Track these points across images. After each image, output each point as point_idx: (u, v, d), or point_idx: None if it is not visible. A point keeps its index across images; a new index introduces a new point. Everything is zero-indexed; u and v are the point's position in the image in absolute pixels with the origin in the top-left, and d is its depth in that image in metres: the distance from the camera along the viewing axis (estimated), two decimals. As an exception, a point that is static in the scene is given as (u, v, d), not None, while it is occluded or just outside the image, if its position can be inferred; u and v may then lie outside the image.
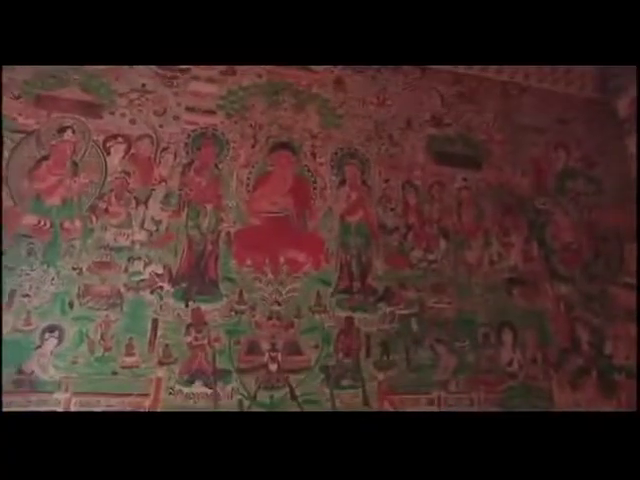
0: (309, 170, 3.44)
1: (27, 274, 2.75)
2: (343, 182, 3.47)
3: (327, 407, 2.83)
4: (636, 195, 3.80)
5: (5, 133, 3.01)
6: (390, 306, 3.16)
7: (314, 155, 3.49)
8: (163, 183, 3.15)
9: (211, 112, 3.43)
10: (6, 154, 2.97)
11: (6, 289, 2.68)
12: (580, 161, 4.06)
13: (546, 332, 3.39)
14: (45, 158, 3.06)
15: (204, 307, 2.90)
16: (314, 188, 3.39)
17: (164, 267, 2.94)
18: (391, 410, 2.90)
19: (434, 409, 2.96)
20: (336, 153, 3.53)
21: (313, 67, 3.71)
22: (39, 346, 2.62)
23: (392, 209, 3.48)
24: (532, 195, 3.82)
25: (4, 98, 3.09)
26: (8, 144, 2.99)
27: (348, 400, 2.87)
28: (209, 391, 2.72)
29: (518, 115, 4.07)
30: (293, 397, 2.80)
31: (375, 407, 2.88)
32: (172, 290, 2.90)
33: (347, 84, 3.78)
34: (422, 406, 2.95)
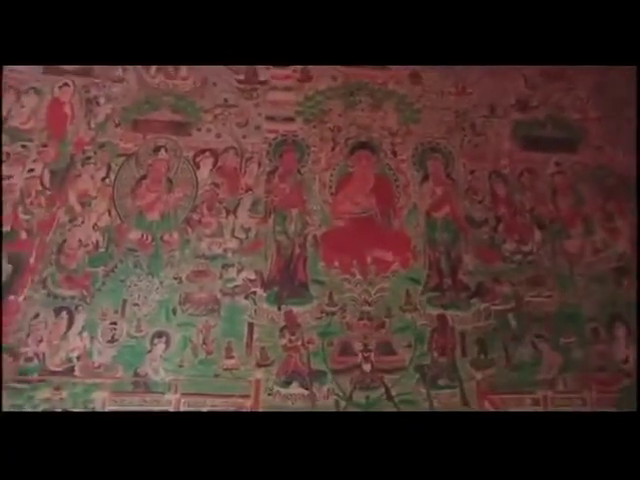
0: (390, 168, 3.41)
1: (135, 285, 2.99)
2: (426, 177, 3.40)
3: (424, 407, 2.76)
4: (636, 193, 3.32)
5: (110, 158, 3.32)
6: (484, 302, 3.03)
7: (394, 153, 3.45)
8: (250, 192, 3.29)
9: (290, 119, 3.52)
10: (112, 177, 3.28)
11: (119, 299, 2.94)
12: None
13: (666, 325, 3.06)
14: (144, 177, 3.33)
15: (296, 310, 2.96)
16: (397, 186, 3.36)
17: (256, 272, 3.05)
18: (492, 410, 2.77)
19: (540, 409, 2.78)
20: (417, 148, 3.47)
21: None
22: (150, 350, 2.83)
23: (480, 201, 3.34)
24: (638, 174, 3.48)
25: (109, 125, 3.42)
26: (113, 168, 3.30)
27: (446, 400, 2.79)
28: (306, 392, 2.77)
29: (616, 88, 3.72)
30: (389, 397, 2.77)
31: (475, 407, 2.77)
32: (265, 294, 3.00)
33: (423, 78, 3.69)
34: (526, 406, 2.78)
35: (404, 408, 2.75)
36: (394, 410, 2.74)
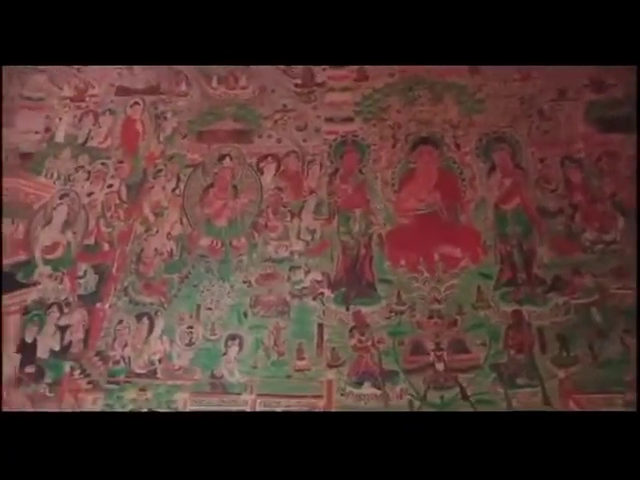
0: (454, 162, 3.31)
1: (208, 290, 3.12)
2: (493, 169, 3.27)
3: (502, 407, 2.66)
4: (636, 193, 3.00)
5: (179, 169, 3.49)
6: (563, 296, 2.87)
7: (457, 145, 3.35)
8: (313, 194, 3.32)
9: (349, 119, 3.51)
10: (181, 187, 3.44)
11: (194, 304, 3.08)
12: None
13: None
14: (211, 185, 3.46)
15: (364, 310, 2.96)
16: (462, 180, 3.25)
17: (322, 274, 3.08)
18: (578, 410, 2.61)
19: (632, 410, 2.58)
20: (481, 140, 3.34)
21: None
22: (225, 353, 2.93)
23: (552, 190, 3.17)
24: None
25: (177, 137, 3.58)
26: (182, 178, 3.46)
27: (526, 400, 2.67)
28: (378, 392, 2.76)
29: None
30: (465, 397, 2.69)
31: (558, 407, 2.63)
32: (332, 295, 3.02)
33: (484, 66, 3.55)
34: (617, 407, 2.59)
35: (481, 408, 2.67)
36: (471, 410, 2.67)
